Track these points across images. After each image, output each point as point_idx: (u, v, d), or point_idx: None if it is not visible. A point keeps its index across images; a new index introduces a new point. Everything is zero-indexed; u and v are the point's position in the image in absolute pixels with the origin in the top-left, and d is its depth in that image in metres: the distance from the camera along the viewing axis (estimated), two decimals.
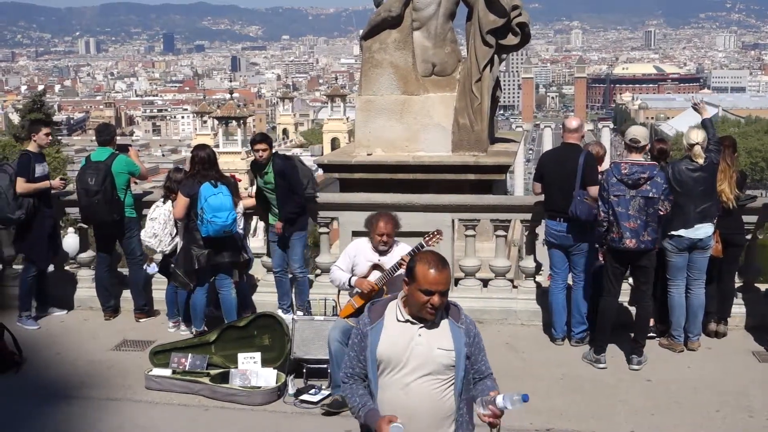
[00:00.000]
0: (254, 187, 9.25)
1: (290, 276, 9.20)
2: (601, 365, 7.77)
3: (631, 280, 8.36)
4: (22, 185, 8.85)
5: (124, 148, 9.25)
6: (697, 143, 7.89)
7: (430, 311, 4.00)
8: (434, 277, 3.96)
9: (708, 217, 7.90)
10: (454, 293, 9.26)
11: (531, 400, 6.95)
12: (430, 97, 11.11)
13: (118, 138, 9.57)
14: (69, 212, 10.02)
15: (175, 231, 8.75)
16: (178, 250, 8.63)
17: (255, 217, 9.69)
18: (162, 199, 9.00)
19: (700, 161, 7.87)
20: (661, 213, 7.55)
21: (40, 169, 9.04)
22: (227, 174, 8.69)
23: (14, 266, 10.32)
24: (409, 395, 4.04)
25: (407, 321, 4.07)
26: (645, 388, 7.32)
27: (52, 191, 9.43)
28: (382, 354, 4.06)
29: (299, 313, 8.57)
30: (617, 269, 7.80)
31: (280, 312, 8.68)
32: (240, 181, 9.11)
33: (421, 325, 4.05)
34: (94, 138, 10.22)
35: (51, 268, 9.73)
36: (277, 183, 8.65)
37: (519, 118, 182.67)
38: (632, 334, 7.96)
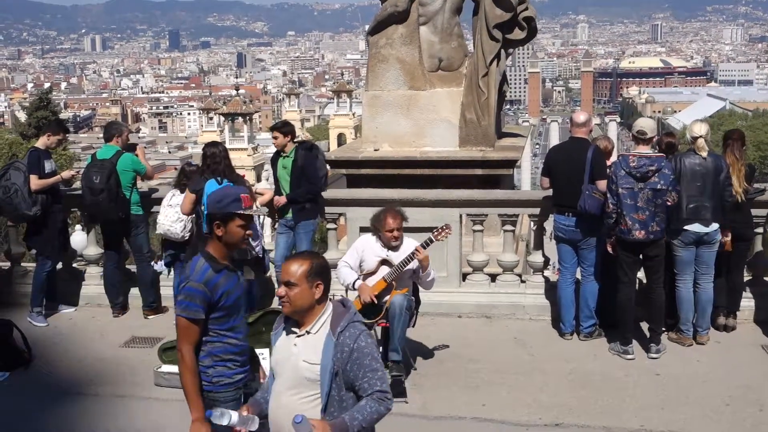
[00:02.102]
0: (262, 183, 9.29)
1: None
2: (629, 356, 7.77)
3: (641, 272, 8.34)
4: (35, 182, 8.90)
5: (131, 147, 9.28)
6: (701, 136, 7.87)
7: (281, 305, 3.96)
8: (283, 267, 3.97)
9: (699, 217, 7.79)
10: (462, 288, 9.27)
11: (540, 395, 7.01)
12: (436, 92, 11.10)
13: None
14: (76, 209, 10.04)
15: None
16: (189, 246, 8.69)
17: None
18: (178, 189, 9.04)
19: (704, 154, 7.84)
20: (669, 203, 7.56)
21: (48, 166, 9.09)
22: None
23: (22, 264, 10.36)
24: (278, 407, 3.96)
25: (290, 329, 4.00)
26: (654, 382, 7.30)
27: (65, 184, 9.52)
28: (272, 362, 4.06)
29: None
30: (629, 258, 7.80)
31: None
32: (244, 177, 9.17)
33: (299, 334, 3.94)
34: (100, 135, 10.25)
35: (60, 265, 9.76)
36: (293, 168, 8.81)
37: (525, 113, 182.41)
38: (648, 325, 7.98)
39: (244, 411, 4.02)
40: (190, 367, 4.42)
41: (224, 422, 3.96)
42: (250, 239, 8.55)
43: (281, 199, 8.97)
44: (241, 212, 4.46)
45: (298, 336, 3.93)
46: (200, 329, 4.42)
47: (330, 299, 4.02)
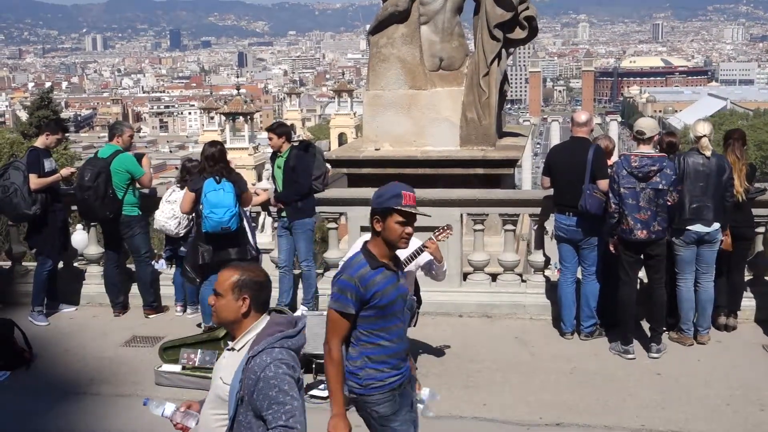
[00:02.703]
0: (262, 183, 9.32)
1: (299, 271, 9.24)
2: (630, 355, 7.77)
3: (642, 272, 8.34)
4: (35, 181, 8.90)
5: (138, 157, 9.30)
6: (704, 135, 7.87)
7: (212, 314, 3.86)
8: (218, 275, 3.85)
9: (701, 217, 7.80)
10: (463, 288, 9.27)
11: (541, 394, 7.00)
12: (437, 92, 11.09)
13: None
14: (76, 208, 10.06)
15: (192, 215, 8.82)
16: (188, 245, 8.73)
17: (263, 213, 9.71)
18: (178, 185, 9.12)
19: (707, 153, 7.84)
20: (669, 203, 7.57)
21: (48, 165, 9.10)
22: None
23: (23, 263, 10.36)
24: (201, 419, 3.90)
25: (228, 341, 3.90)
26: (655, 381, 7.30)
27: (64, 182, 9.54)
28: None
29: (304, 308, 8.61)
30: (631, 258, 7.80)
31: (304, 309, 8.66)
32: None
33: (228, 347, 3.82)
34: (101, 135, 10.29)
35: (60, 264, 9.76)
36: (285, 167, 8.86)
37: (526, 112, 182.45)
38: (648, 324, 7.98)
39: (183, 407, 3.96)
40: (335, 360, 4.35)
41: (158, 412, 3.95)
42: (249, 236, 8.59)
43: (276, 203, 9.05)
44: (399, 208, 4.31)
45: (228, 349, 3.82)
46: (350, 324, 4.36)
47: (270, 314, 3.83)
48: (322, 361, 7.36)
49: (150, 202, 9.43)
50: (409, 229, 4.37)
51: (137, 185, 9.16)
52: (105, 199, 8.88)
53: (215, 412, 3.78)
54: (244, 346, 3.72)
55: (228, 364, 3.75)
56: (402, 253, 7.11)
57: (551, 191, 8.50)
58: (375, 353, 4.39)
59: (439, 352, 8.04)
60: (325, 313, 7.63)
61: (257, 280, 3.77)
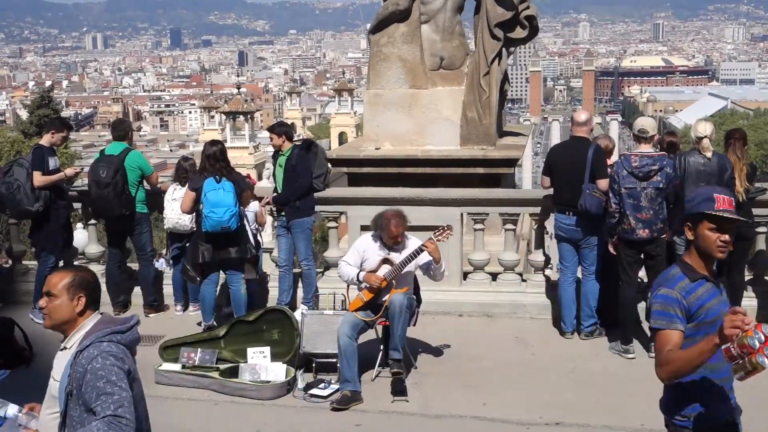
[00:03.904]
0: (262, 182, 9.31)
1: (299, 271, 9.24)
2: (630, 355, 7.77)
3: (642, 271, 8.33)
4: (39, 178, 8.91)
5: None
6: (705, 136, 7.87)
7: (43, 317, 3.86)
8: (47, 279, 3.85)
9: None
10: (463, 287, 9.26)
11: (541, 394, 6.98)
12: (438, 91, 11.10)
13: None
14: (78, 207, 10.04)
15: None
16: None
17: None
18: (178, 183, 9.20)
19: (708, 154, 7.84)
20: (672, 188, 7.59)
21: (52, 162, 9.13)
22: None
23: (23, 262, 10.36)
24: (40, 421, 3.88)
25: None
26: (655, 381, 7.25)
27: (66, 182, 9.54)
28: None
29: (304, 307, 8.60)
30: (631, 258, 7.80)
31: (304, 308, 8.66)
32: (255, 182, 9.25)
33: (60, 348, 3.84)
34: (102, 134, 10.29)
35: (61, 263, 9.76)
36: (286, 166, 8.87)
37: (527, 112, 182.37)
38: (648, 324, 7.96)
39: (26, 408, 3.94)
40: (680, 356, 3.74)
41: (1, 413, 3.92)
42: (250, 236, 8.60)
43: (269, 199, 9.10)
44: (711, 213, 3.72)
45: (60, 350, 3.83)
46: (680, 341, 3.79)
47: (102, 314, 3.86)
48: (322, 360, 7.44)
49: (154, 200, 9.45)
50: (725, 237, 3.75)
51: (144, 183, 9.22)
52: (123, 196, 8.91)
53: (50, 411, 3.81)
54: (74, 344, 3.75)
55: (60, 363, 3.79)
56: (401, 254, 7.15)
57: (551, 191, 8.50)
58: (699, 379, 3.86)
59: (439, 351, 8.04)
60: (325, 312, 7.72)
61: (89, 280, 3.85)
